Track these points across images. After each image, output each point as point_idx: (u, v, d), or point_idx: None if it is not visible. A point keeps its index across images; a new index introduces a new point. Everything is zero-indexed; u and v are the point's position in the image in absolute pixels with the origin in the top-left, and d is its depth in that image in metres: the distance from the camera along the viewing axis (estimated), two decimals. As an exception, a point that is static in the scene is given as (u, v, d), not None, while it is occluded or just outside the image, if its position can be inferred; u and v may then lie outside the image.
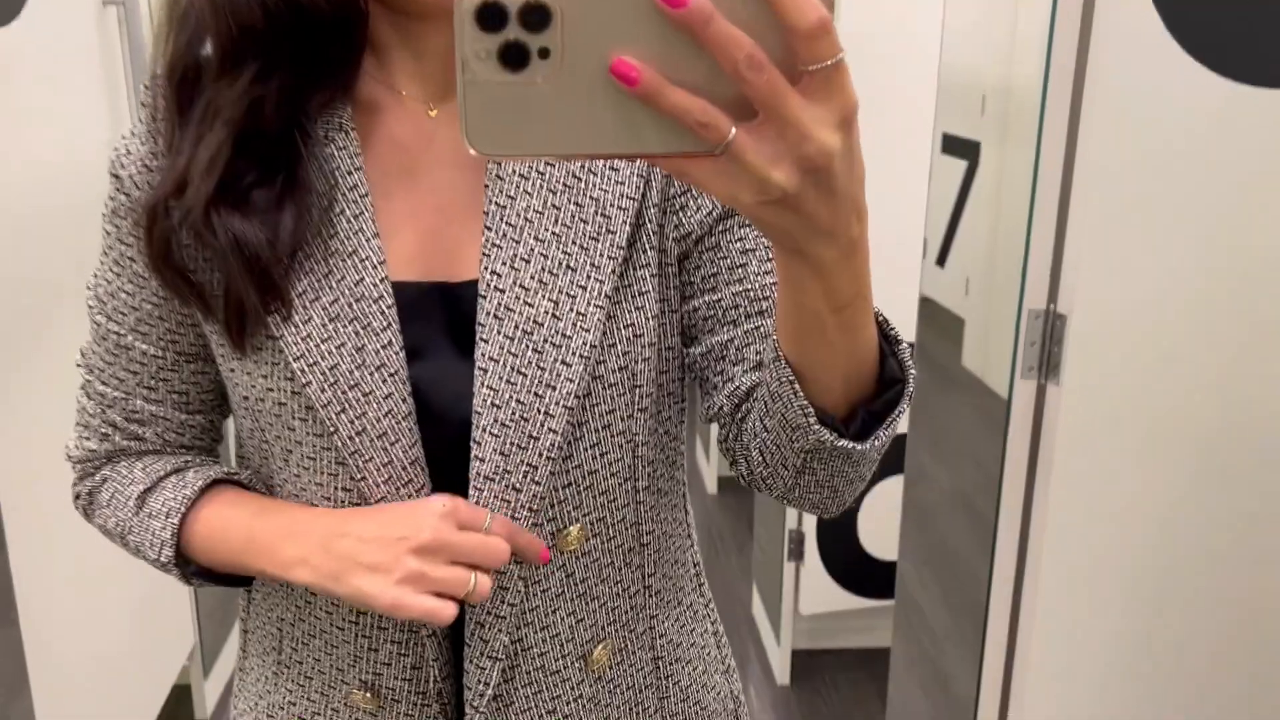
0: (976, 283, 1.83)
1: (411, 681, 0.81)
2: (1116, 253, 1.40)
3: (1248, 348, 1.46)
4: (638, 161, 0.77)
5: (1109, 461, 1.48)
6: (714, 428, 0.85)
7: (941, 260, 1.93)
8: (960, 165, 1.83)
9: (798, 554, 2.76)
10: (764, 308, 0.80)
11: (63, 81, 1.94)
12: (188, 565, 0.83)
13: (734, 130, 0.47)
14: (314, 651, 0.85)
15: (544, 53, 0.46)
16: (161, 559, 0.82)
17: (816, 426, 0.66)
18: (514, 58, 0.46)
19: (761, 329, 0.80)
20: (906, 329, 1.95)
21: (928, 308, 1.95)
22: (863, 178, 0.52)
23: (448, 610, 0.72)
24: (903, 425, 1.92)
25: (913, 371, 0.69)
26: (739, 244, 0.80)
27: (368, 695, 0.82)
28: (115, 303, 0.82)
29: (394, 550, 0.73)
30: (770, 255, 0.80)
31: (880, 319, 0.67)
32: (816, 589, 2.78)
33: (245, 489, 0.85)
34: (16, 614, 1.61)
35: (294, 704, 0.87)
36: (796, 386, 0.66)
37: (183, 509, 0.81)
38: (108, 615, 2.10)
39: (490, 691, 0.79)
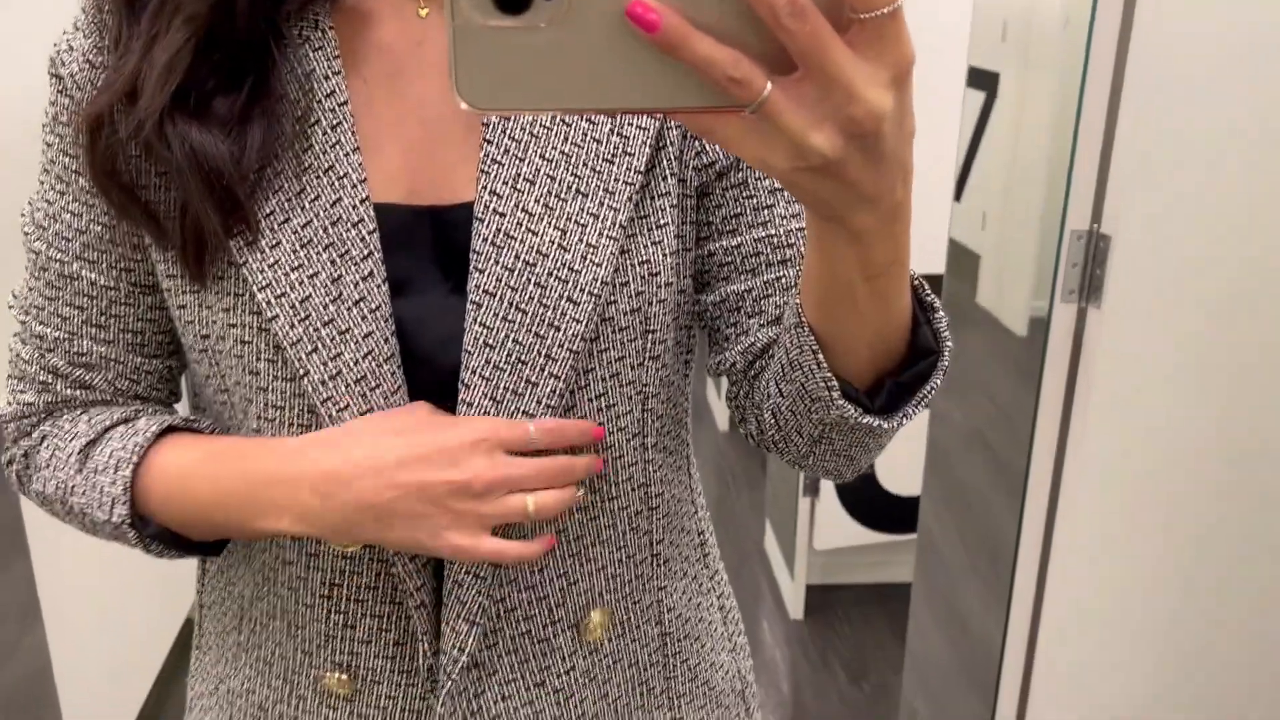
0: (993, 216, 1.79)
1: (395, 659, 0.73)
2: (1164, 171, 1.35)
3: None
4: None
5: (1150, 388, 1.44)
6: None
7: (958, 194, 1.89)
8: (979, 98, 1.78)
9: (813, 489, 2.75)
10: (787, 256, 0.72)
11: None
12: (146, 526, 0.71)
13: (769, 87, 0.41)
14: (274, 634, 0.75)
15: None
16: (114, 519, 0.69)
17: (840, 401, 0.60)
18: (514, 0, 0.40)
19: (783, 280, 0.72)
20: (929, 262, 1.91)
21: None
22: (912, 136, 0.46)
23: (528, 549, 0.66)
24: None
25: (948, 343, 0.62)
26: (767, 182, 0.72)
27: (342, 678, 0.73)
28: (58, 226, 0.71)
29: (433, 495, 0.63)
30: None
31: (916, 283, 0.60)
32: (832, 524, 2.77)
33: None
34: (27, 545, 1.59)
35: (253, 691, 0.77)
36: (820, 358, 0.59)
37: (134, 459, 0.69)
38: (119, 550, 2.09)
39: (465, 659, 0.71)
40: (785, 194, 0.72)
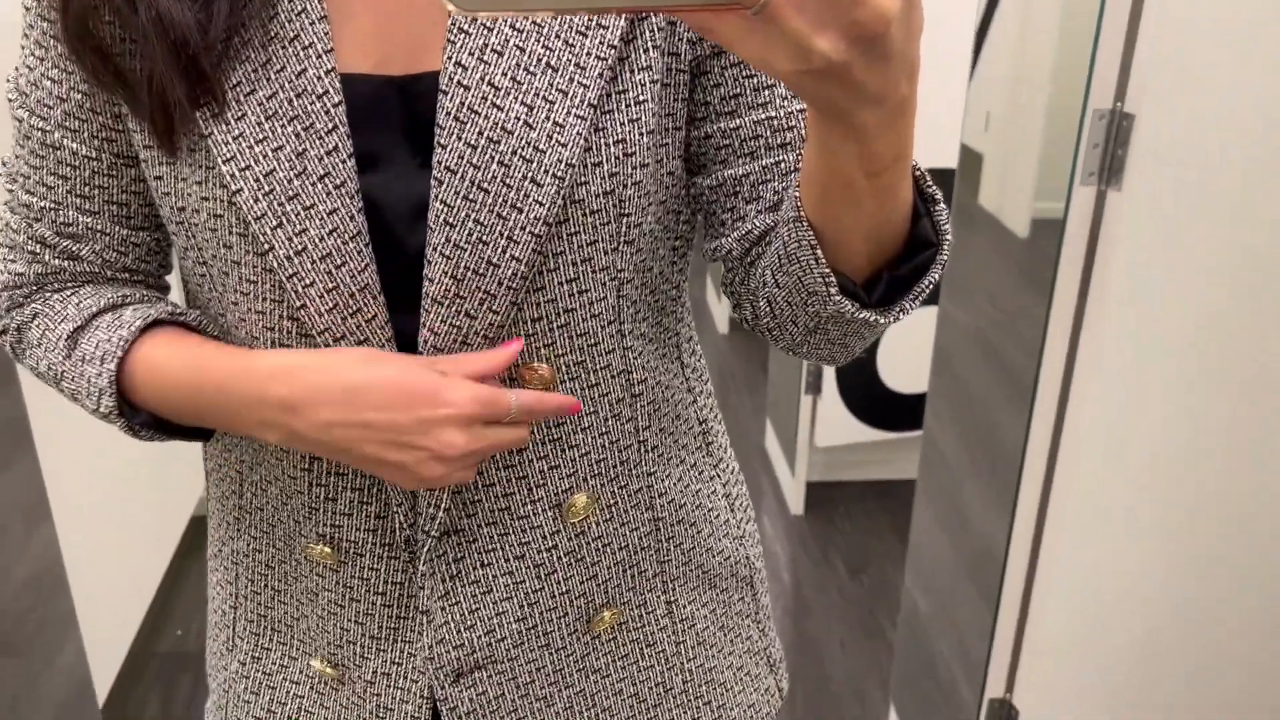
0: (997, 115, 1.76)
1: (376, 532, 0.74)
2: (1192, 46, 1.31)
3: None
4: None
5: (1170, 277, 1.41)
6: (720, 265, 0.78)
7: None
8: None
9: (815, 388, 2.76)
10: (788, 140, 0.71)
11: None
12: (136, 415, 0.73)
13: None
14: (272, 499, 0.77)
15: None
16: (101, 409, 0.71)
17: (837, 297, 0.60)
18: None
19: (782, 165, 0.71)
20: (947, 162, 1.88)
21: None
22: (920, 32, 0.45)
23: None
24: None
25: (948, 236, 0.61)
26: None
27: (325, 550, 0.75)
28: (39, 93, 0.70)
29: (413, 456, 0.65)
30: None
31: (918, 175, 0.60)
32: (833, 421, 2.78)
33: (192, 331, 0.74)
34: (33, 442, 1.60)
35: (259, 551, 0.80)
36: (819, 253, 0.59)
37: (119, 353, 0.70)
38: (123, 446, 2.10)
39: (440, 515, 0.73)
40: None
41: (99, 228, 0.74)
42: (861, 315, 0.61)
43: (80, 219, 0.73)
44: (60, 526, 1.67)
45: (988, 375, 1.72)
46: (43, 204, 0.73)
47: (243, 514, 0.80)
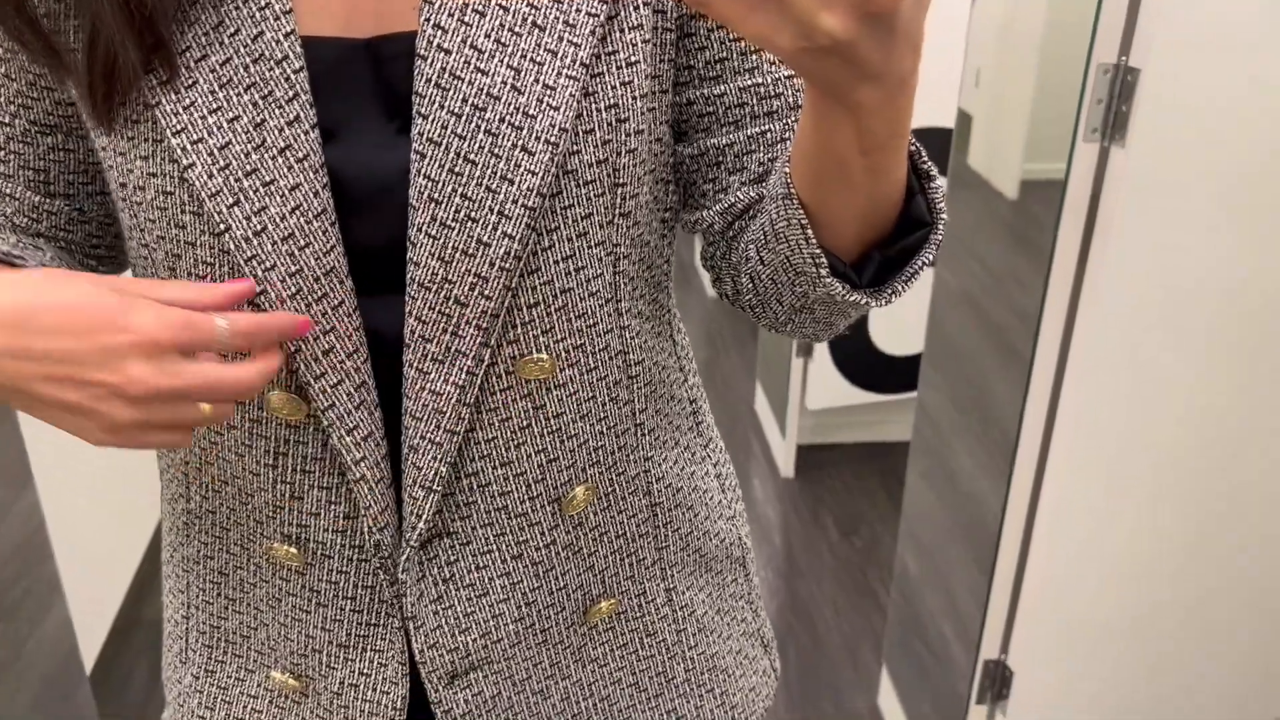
0: (988, 73, 1.73)
1: (345, 534, 0.69)
2: (1200, 1, 1.28)
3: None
4: None
5: (1175, 237, 1.40)
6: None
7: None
8: None
9: (807, 350, 2.75)
10: (774, 108, 0.67)
11: None
12: None
13: None
14: (227, 500, 0.71)
15: None
16: None
17: (828, 278, 0.58)
18: None
19: (769, 135, 0.67)
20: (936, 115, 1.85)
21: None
22: (927, 5, 0.43)
23: (184, 440, 0.59)
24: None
25: (943, 215, 0.59)
26: None
27: (291, 550, 0.70)
28: None
29: (91, 394, 0.55)
30: None
31: (914, 151, 0.57)
32: (825, 384, 2.77)
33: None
34: (12, 409, 1.57)
35: (210, 558, 0.74)
36: (809, 233, 0.57)
37: None
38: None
39: (423, 525, 0.67)
40: None
41: (10, 192, 0.69)
42: (852, 298, 0.59)
43: None
44: (43, 492, 1.65)
45: (980, 338, 1.71)
46: None
47: (191, 519, 0.74)
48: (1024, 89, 1.62)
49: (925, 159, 0.58)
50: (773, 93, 0.67)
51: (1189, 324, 1.45)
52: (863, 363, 2.75)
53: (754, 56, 0.67)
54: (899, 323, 2.67)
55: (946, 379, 1.85)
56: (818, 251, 0.57)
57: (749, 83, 0.67)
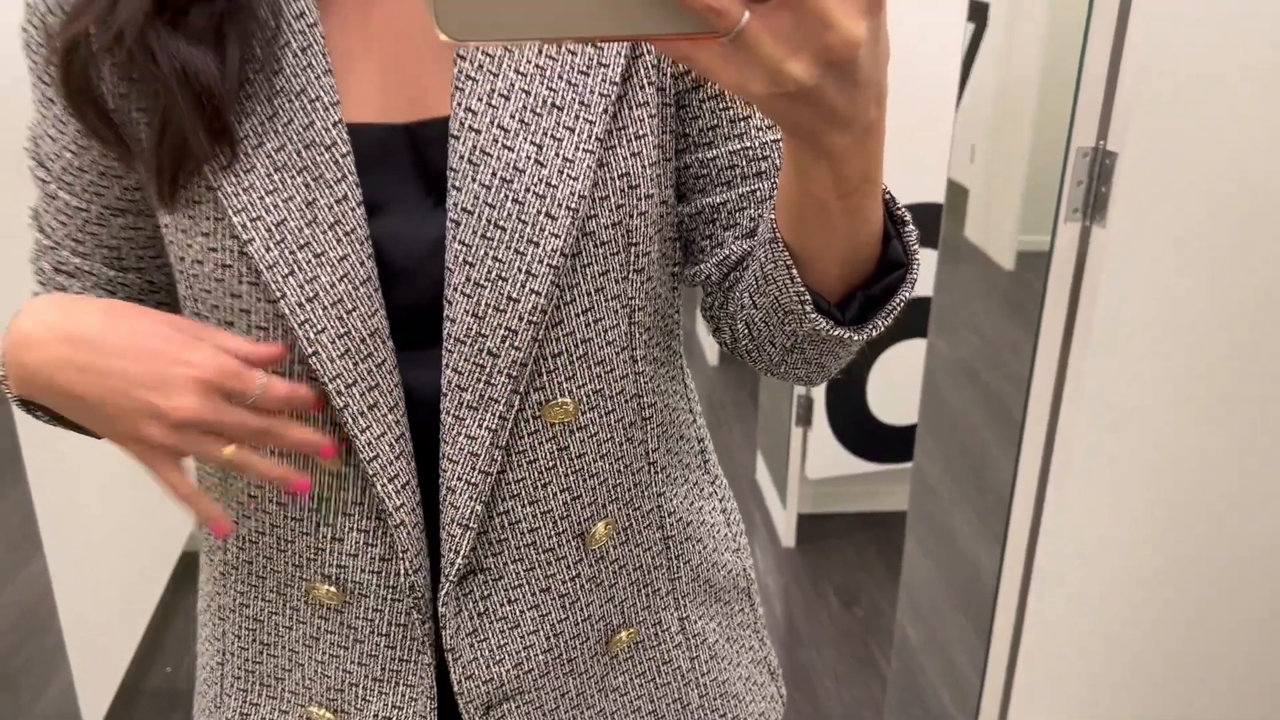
0: (982, 149, 1.79)
1: (380, 574, 0.74)
2: (1171, 88, 1.34)
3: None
4: None
5: (1155, 311, 1.44)
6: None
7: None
8: (968, 29, 1.77)
9: (806, 419, 2.77)
10: (763, 169, 0.73)
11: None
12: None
13: (747, 15, 0.42)
14: (264, 550, 0.77)
15: None
16: None
17: (812, 314, 0.63)
18: None
19: (758, 193, 0.73)
20: (926, 191, 1.90)
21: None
22: (887, 59, 0.47)
23: (185, 483, 0.67)
24: (926, 289, 1.91)
25: (918, 256, 0.64)
26: None
27: (331, 589, 0.75)
28: (41, 150, 0.74)
29: (138, 408, 0.63)
30: None
31: (888, 198, 0.62)
32: (824, 453, 2.79)
33: None
34: (24, 471, 1.60)
35: (245, 605, 0.80)
36: (794, 272, 0.61)
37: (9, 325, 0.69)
38: (115, 479, 2.10)
39: (460, 560, 0.72)
40: None
41: (88, 269, 0.77)
42: (836, 333, 0.63)
43: (73, 260, 0.77)
44: (51, 560, 1.67)
45: (977, 406, 1.73)
46: (47, 241, 0.77)
47: (228, 569, 0.80)
48: (1018, 164, 1.67)
49: (899, 206, 0.63)
50: (760, 155, 0.73)
51: (1174, 393, 1.49)
52: (861, 432, 2.77)
53: (741, 124, 0.73)
54: (897, 392, 2.69)
55: (943, 447, 1.87)
56: (803, 289, 0.62)
57: (738, 147, 0.73)
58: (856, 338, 0.64)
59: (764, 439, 3.19)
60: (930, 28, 2.10)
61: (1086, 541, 1.55)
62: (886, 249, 0.63)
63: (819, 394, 2.73)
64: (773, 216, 0.62)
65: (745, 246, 0.73)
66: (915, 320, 2.07)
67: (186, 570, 2.59)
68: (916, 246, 0.64)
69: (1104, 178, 1.36)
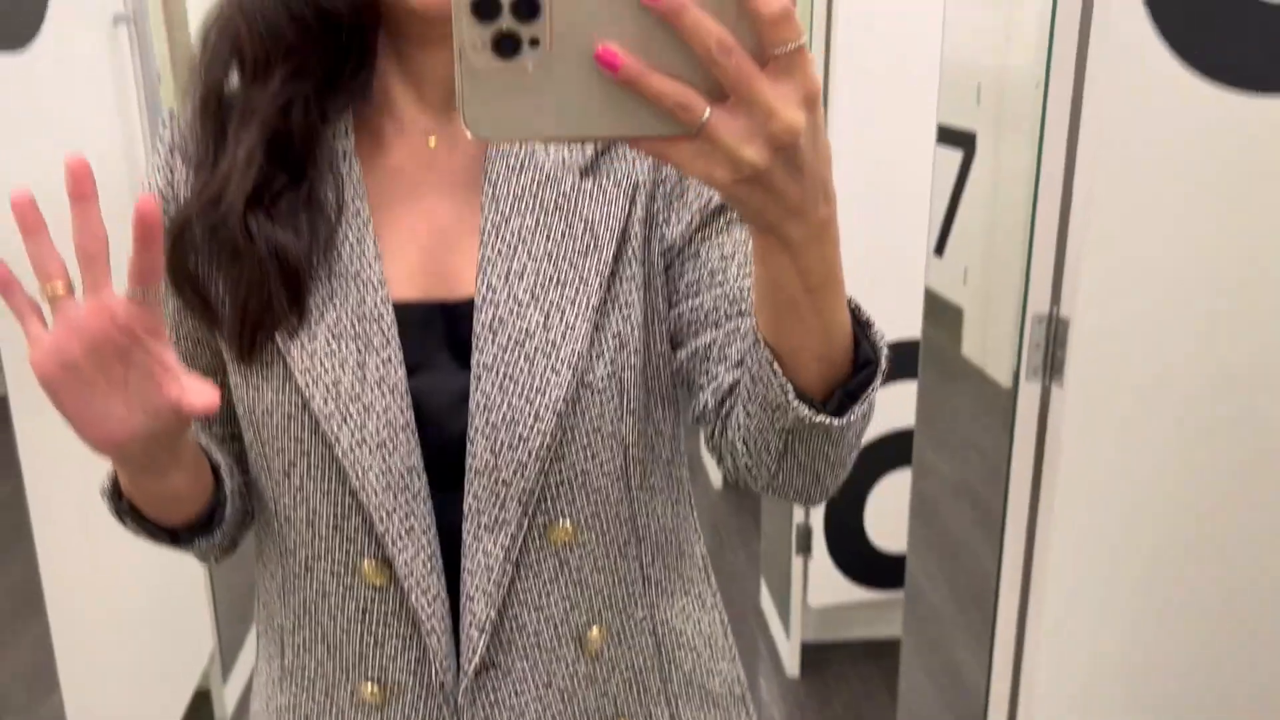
0: (975, 271, 1.85)
1: (416, 674, 0.86)
2: (1119, 255, 1.41)
3: (1251, 350, 1.48)
4: (623, 184, 0.83)
5: (1115, 459, 1.50)
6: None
7: (940, 249, 1.93)
8: (956, 156, 1.84)
9: (805, 547, 2.78)
10: (743, 308, 0.83)
11: (79, 97, 1.97)
12: (120, 501, 0.82)
13: (708, 111, 0.51)
14: (316, 656, 0.89)
15: (534, 42, 0.50)
16: (100, 492, 0.82)
17: (795, 402, 0.69)
18: (506, 47, 0.50)
19: (741, 329, 0.82)
20: (911, 323, 1.98)
21: (927, 298, 1.97)
22: (828, 160, 0.56)
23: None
24: (908, 419, 1.97)
25: (885, 351, 0.71)
26: (717, 251, 0.84)
27: (375, 689, 0.87)
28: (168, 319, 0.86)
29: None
30: (747, 260, 0.83)
31: (852, 305, 0.69)
32: (825, 581, 2.79)
33: None
34: (45, 612, 1.64)
35: (299, 705, 0.91)
36: (776, 366, 0.68)
37: None
38: (130, 614, 2.13)
39: (477, 658, 0.83)
40: (735, 259, 0.84)
41: None
42: (819, 420, 0.69)
43: None
44: (67, 697, 1.69)
45: (973, 526, 1.75)
46: None
47: (285, 673, 0.91)
48: (1008, 289, 1.72)
49: (863, 311, 0.71)
50: (740, 297, 0.83)
51: (1142, 535, 1.55)
52: (860, 559, 2.78)
53: (720, 274, 0.84)
54: (894, 520, 2.72)
55: (943, 570, 1.89)
56: (784, 380, 0.69)
57: (720, 292, 0.84)
58: (837, 422, 0.70)
59: (767, 566, 3.19)
60: (903, 156, 2.22)
61: (1071, 667, 1.58)
62: (858, 351, 0.70)
63: (818, 523, 2.76)
64: (754, 319, 0.69)
65: (735, 374, 0.81)
66: (909, 449, 2.11)
67: (198, 708, 2.60)
68: (884, 344, 0.71)
69: (1059, 342, 1.44)
